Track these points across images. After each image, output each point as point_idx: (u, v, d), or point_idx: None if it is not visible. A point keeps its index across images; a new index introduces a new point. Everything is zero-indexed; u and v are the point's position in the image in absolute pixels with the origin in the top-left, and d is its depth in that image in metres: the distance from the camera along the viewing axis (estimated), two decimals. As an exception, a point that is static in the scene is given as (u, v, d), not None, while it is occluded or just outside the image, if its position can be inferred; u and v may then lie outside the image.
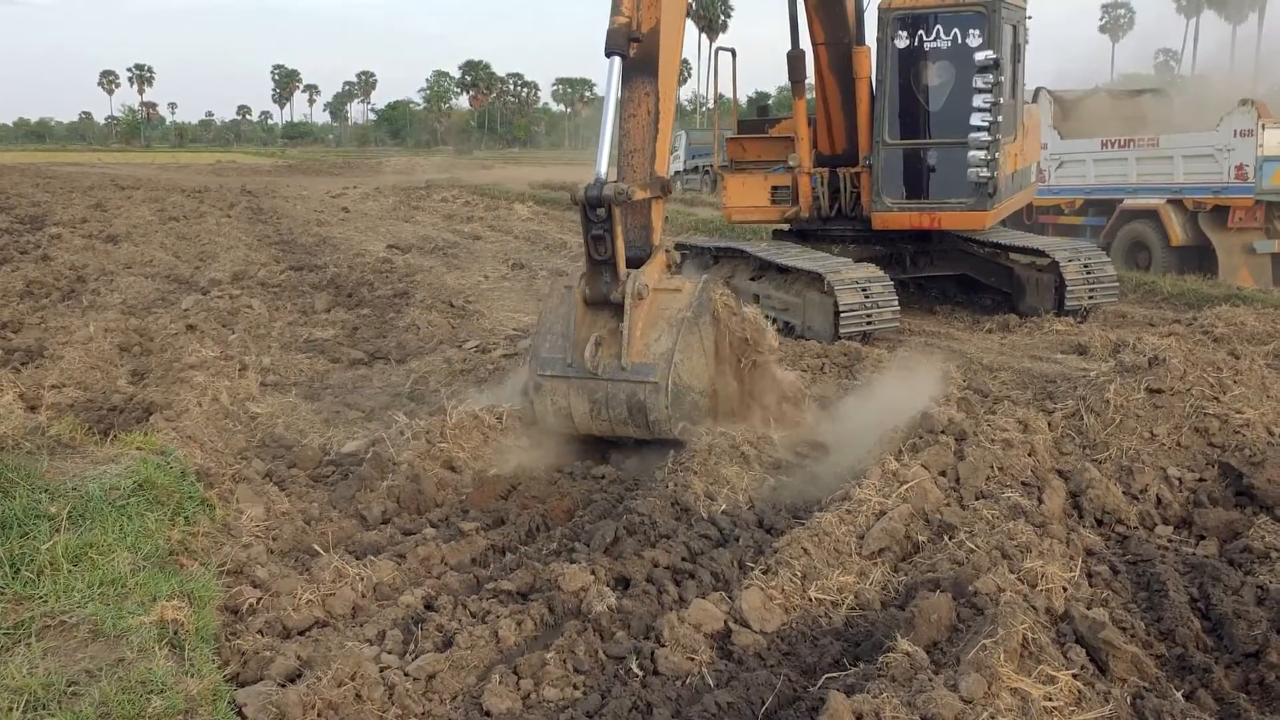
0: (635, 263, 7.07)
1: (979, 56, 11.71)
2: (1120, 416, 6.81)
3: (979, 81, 11.69)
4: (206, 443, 7.59)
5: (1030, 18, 13.01)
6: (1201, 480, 6.38)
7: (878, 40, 12.36)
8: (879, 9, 12.32)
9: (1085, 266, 12.60)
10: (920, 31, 12.13)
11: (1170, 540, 5.82)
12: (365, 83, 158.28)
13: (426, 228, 26.76)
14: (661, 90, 7.28)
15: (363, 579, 5.40)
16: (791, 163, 12.88)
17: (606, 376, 6.88)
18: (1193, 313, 12.75)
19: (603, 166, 6.90)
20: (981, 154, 11.81)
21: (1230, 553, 5.56)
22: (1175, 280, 15.13)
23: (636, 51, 7.16)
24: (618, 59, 7.07)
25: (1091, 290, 12.56)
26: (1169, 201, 16.72)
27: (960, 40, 11.98)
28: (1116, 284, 13.00)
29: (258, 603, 5.13)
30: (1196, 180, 16.43)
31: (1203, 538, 5.83)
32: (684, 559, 5.46)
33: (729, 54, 13.40)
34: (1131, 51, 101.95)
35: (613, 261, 6.84)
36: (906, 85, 12.33)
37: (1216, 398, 6.78)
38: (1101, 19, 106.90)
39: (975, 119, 11.79)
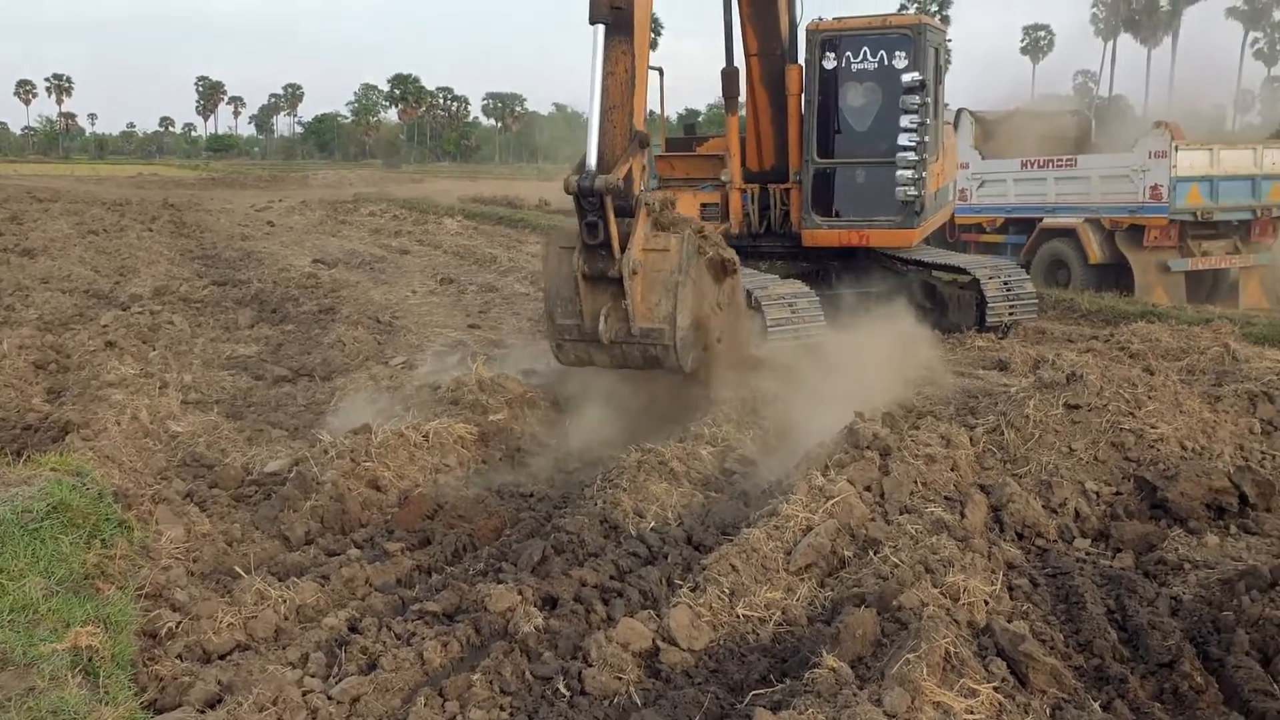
0: (621, 212, 7.24)
1: (906, 78, 11.89)
2: (1040, 432, 6.95)
3: (906, 102, 11.88)
4: (125, 463, 7.41)
5: (950, 40, 13.27)
6: (1118, 494, 6.53)
7: (806, 60, 12.50)
8: (807, 30, 12.46)
9: (1005, 284, 12.85)
10: (847, 53, 12.32)
11: (1088, 553, 5.95)
12: (292, 95, 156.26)
13: (354, 242, 26.49)
14: (636, 49, 7.37)
15: (285, 601, 5.32)
16: (724, 178, 12.94)
17: (620, 341, 7.41)
18: (1110, 329, 13.07)
19: (593, 154, 7.01)
20: (909, 173, 12.00)
21: (1146, 565, 5.70)
22: (1093, 297, 15.49)
23: (615, 16, 7.25)
24: (602, 27, 7.19)
25: (1011, 307, 12.80)
26: (1087, 221, 17.11)
27: (887, 62, 12.21)
28: (1036, 301, 13.27)
29: (177, 627, 5.03)
30: (1113, 200, 16.85)
31: (1119, 550, 5.96)
32: (612, 577, 5.46)
33: (657, 72, 13.46)
34: (1051, 73, 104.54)
35: (608, 244, 7.11)
36: (834, 105, 12.52)
37: (1132, 413, 6.94)
38: (1022, 40, 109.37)
39: (903, 139, 11.97)
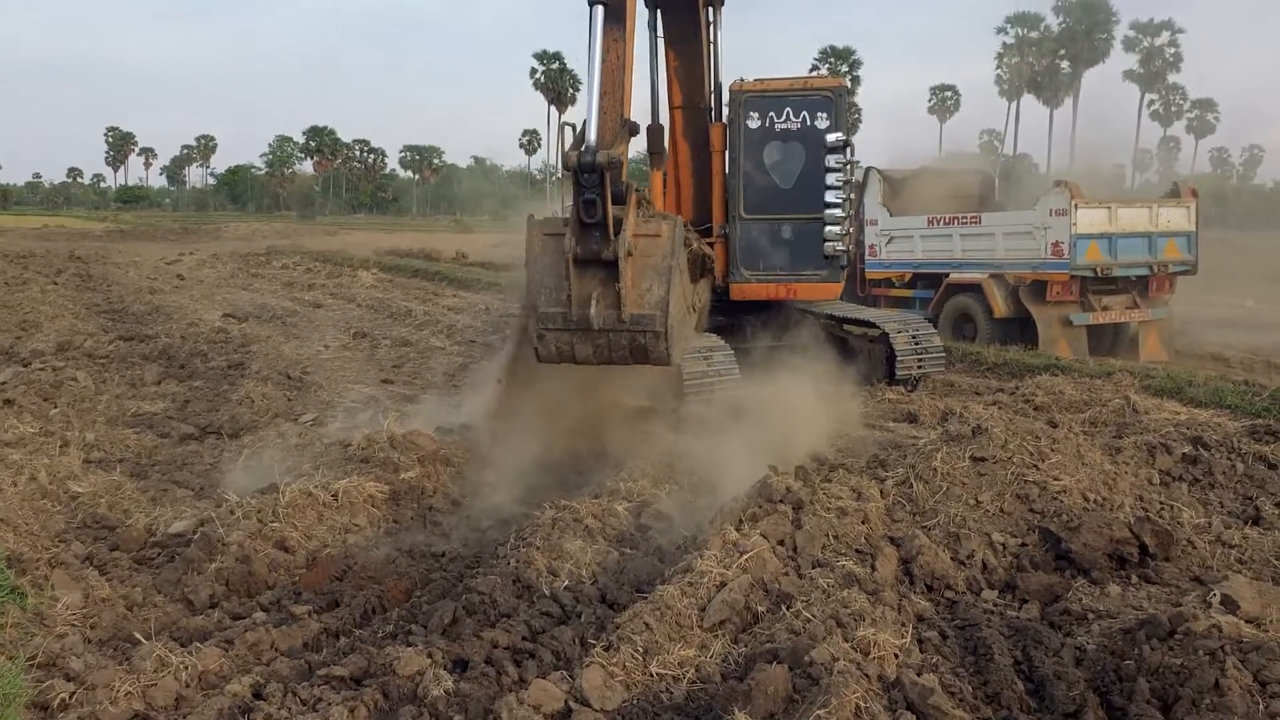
0: (613, 198, 7.14)
1: (830, 138, 12.27)
2: (947, 484, 7.06)
3: (831, 161, 12.23)
4: (20, 525, 7.17)
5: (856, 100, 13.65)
6: (1024, 545, 6.65)
7: (729, 119, 12.72)
8: (730, 90, 12.68)
9: (914, 337, 13.11)
10: (771, 112, 12.61)
11: (996, 604, 6.04)
12: (205, 146, 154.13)
13: (265, 295, 26.10)
14: (626, 38, 7.42)
15: (187, 667, 5.16)
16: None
17: (608, 328, 7.17)
18: (1015, 382, 13.39)
19: (593, 131, 7.00)
20: (837, 229, 12.35)
21: (1051, 615, 5.80)
22: (999, 351, 15.86)
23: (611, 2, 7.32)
24: (600, 9, 7.21)
25: (920, 360, 13.05)
26: (991, 276, 17.53)
27: (809, 122, 12.53)
28: (943, 354, 13.55)
29: (70, 697, 4.85)
30: (1016, 256, 17.30)
31: (1025, 601, 6.07)
32: (525, 638, 5.40)
33: (571, 128, 13.51)
34: (958, 132, 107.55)
35: (603, 224, 6.99)
36: (759, 163, 12.73)
37: (1036, 465, 7.10)
38: (930, 100, 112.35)
39: (830, 196, 12.32)
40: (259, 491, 7.48)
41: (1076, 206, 16.38)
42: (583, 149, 6.90)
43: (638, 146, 11.36)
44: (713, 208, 13.03)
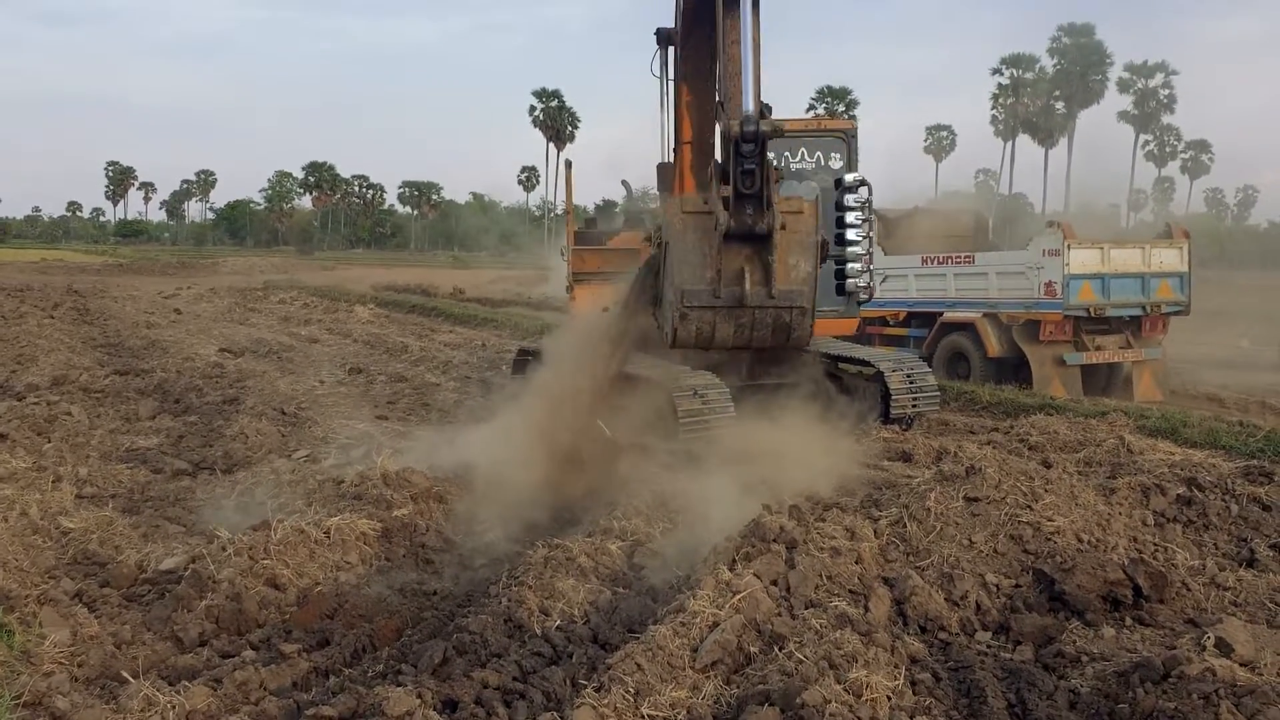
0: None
1: (849, 177, 12.33)
2: (941, 524, 7.05)
3: (849, 199, 12.35)
4: (10, 562, 7.11)
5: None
6: (1017, 586, 6.62)
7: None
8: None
9: (908, 376, 13.12)
10: (786, 152, 12.89)
11: (989, 646, 6.01)
12: (205, 181, 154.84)
13: (262, 330, 26.13)
14: (756, 21, 7.45)
15: (174, 707, 5.11)
16: None
17: (755, 304, 7.09)
18: (1010, 421, 13.39)
19: (749, 101, 6.98)
20: (858, 265, 12.43)
21: (1045, 657, 5.78)
22: (993, 390, 15.87)
23: None
24: None
25: (915, 399, 13.05)
26: (985, 315, 17.58)
27: (824, 161, 12.94)
28: (938, 393, 13.55)
29: (57, 737, 4.81)
30: (1010, 296, 17.35)
31: (1019, 643, 6.04)
32: (515, 678, 5.36)
33: (566, 165, 13.67)
34: (953, 171, 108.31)
35: (760, 194, 6.97)
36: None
37: (1029, 506, 7.09)
38: (925, 140, 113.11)
39: (850, 234, 12.42)
40: (251, 528, 7.44)
41: (1069, 247, 16.45)
42: (744, 119, 6.90)
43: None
44: None
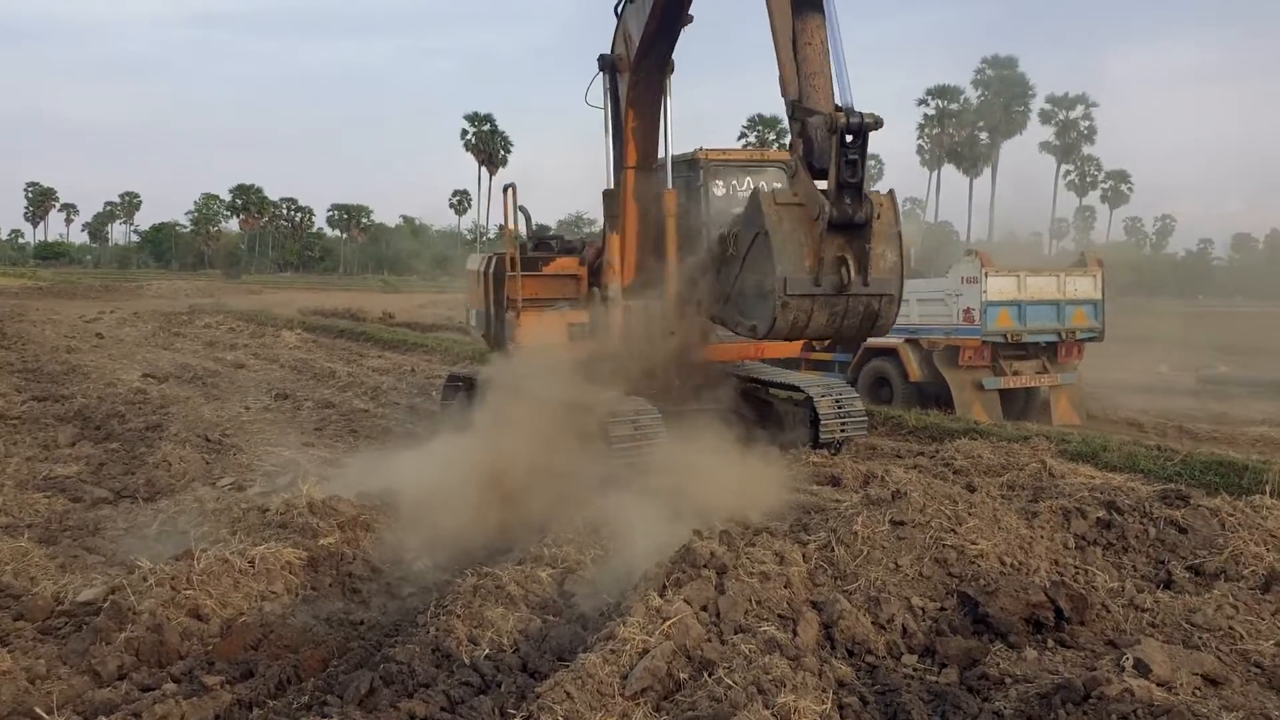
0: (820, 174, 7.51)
1: None
2: (868, 548, 7.13)
3: None
4: (-82, 596, 6.92)
5: None
6: (943, 609, 6.71)
7: (698, 187, 13.10)
8: (697, 157, 13.09)
9: (837, 401, 13.29)
10: (733, 181, 13.18)
11: (915, 669, 6.07)
12: (129, 203, 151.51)
13: (187, 355, 25.66)
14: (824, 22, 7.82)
15: (91, 743, 4.99)
16: (611, 293, 13.08)
17: (854, 292, 7.43)
18: (935, 445, 13.60)
19: (848, 94, 7.46)
20: None
21: (969, 680, 5.85)
22: (919, 415, 16.11)
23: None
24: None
25: (843, 424, 13.21)
26: (907, 341, 17.84)
27: (768, 190, 13.00)
28: (865, 418, 13.73)
29: (-34, 777, 4.66)
30: (930, 322, 17.71)
31: (944, 665, 6.11)
32: (443, 708, 5.32)
33: (510, 189, 13.60)
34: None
35: (860, 185, 7.29)
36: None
37: (954, 529, 7.20)
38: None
39: None
40: (173, 558, 7.30)
41: (987, 274, 16.83)
42: (849, 111, 7.24)
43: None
44: (666, 271, 13.15)
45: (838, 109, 7.33)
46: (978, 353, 17.14)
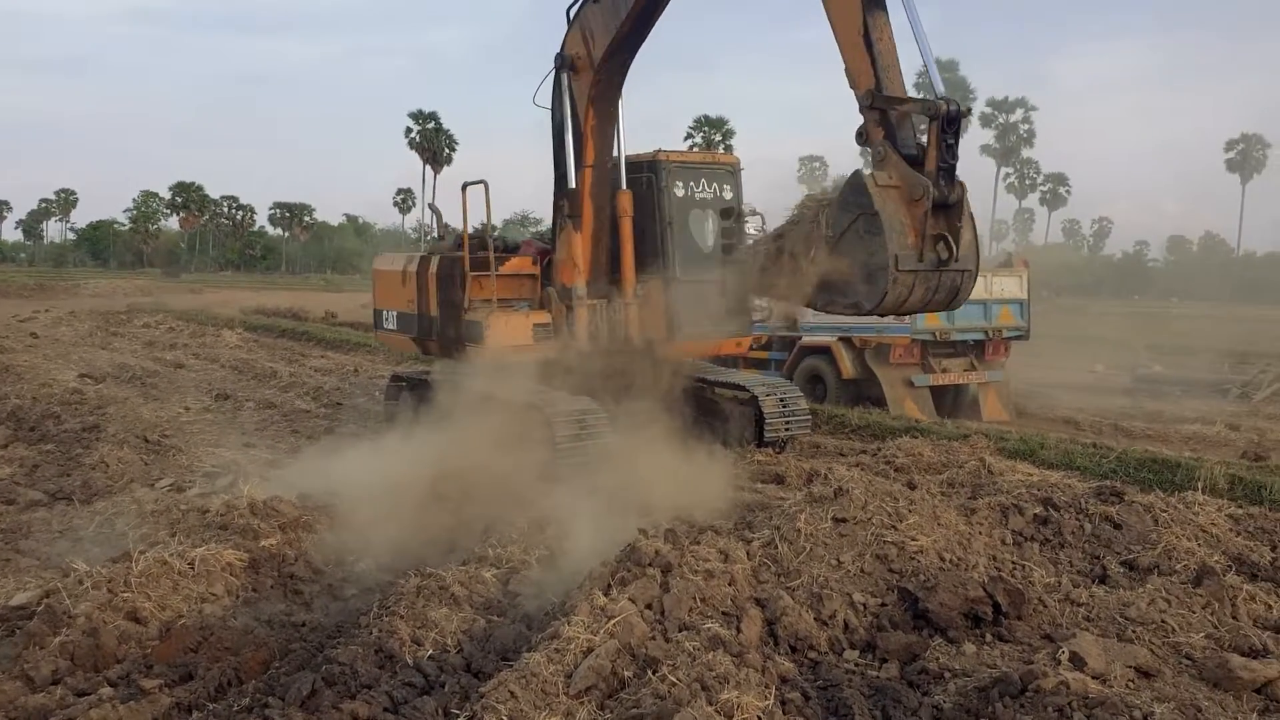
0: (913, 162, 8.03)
1: (746, 206, 13.70)
2: (811, 545, 7.19)
3: (750, 227, 13.40)
4: None
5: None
6: (883, 605, 6.79)
7: (660, 187, 13.32)
8: (657, 159, 13.34)
9: (782, 400, 13.41)
10: (690, 182, 13.56)
11: (857, 664, 6.15)
12: (65, 200, 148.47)
13: (125, 355, 25.24)
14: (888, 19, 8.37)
15: (24, 750, 4.91)
16: (579, 292, 13.06)
17: (950, 268, 8.02)
18: (877, 444, 13.74)
19: (940, 84, 8.05)
20: None
21: (910, 674, 5.93)
22: (862, 413, 16.28)
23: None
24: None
25: (787, 422, 13.33)
26: (840, 339, 18.24)
27: (720, 193, 13.72)
28: (809, 417, 13.86)
29: (-106, 786, 4.56)
30: (862, 320, 17.88)
31: (885, 660, 6.19)
32: (386, 709, 5.29)
33: (482, 185, 13.52)
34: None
35: (954, 168, 7.83)
36: (685, 228, 13.48)
37: (895, 526, 7.29)
38: (799, 170, 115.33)
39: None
40: (111, 560, 7.20)
41: None
42: (949, 100, 7.82)
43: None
44: (622, 270, 13.18)
45: (940, 98, 7.86)
46: (908, 350, 17.61)
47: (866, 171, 8.06)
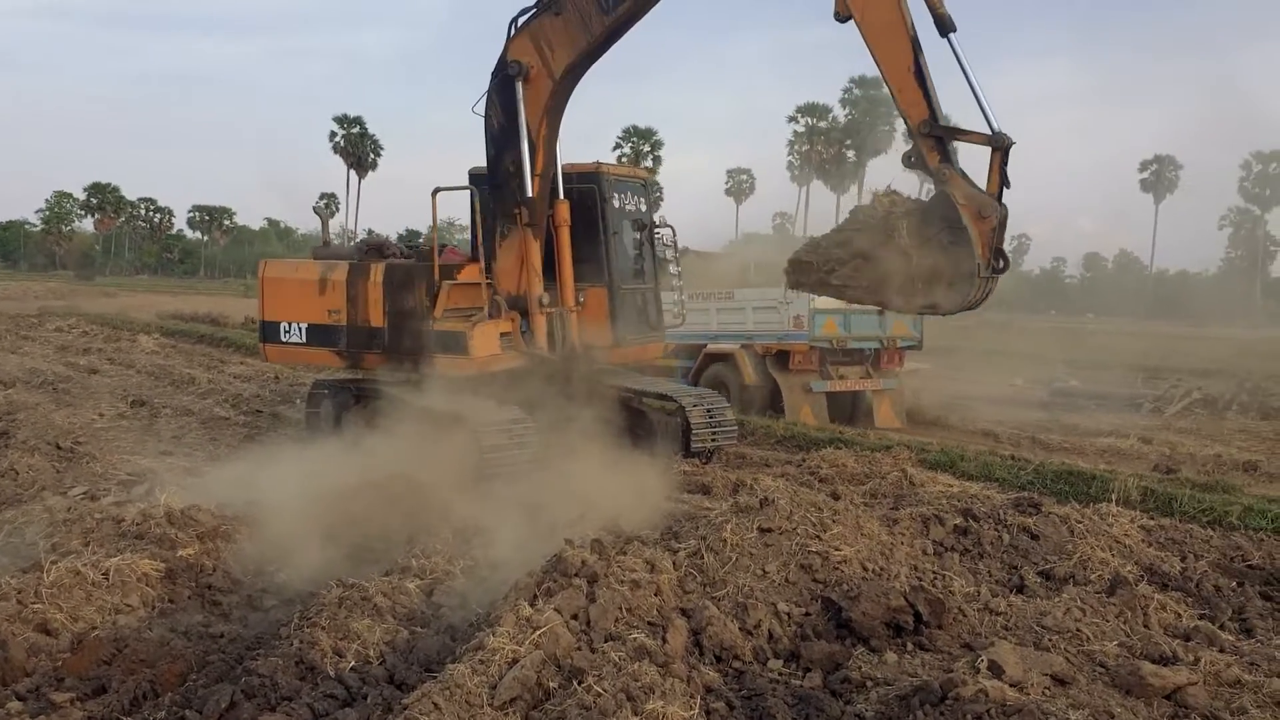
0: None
1: (657, 218, 14.72)
2: (736, 555, 7.22)
3: (665, 236, 14.56)
4: None
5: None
6: (807, 614, 6.85)
7: (603, 197, 13.75)
8: (600, 170, 13.88)
9: (708, 411, 13.49)
10: (623, 194, 14.25)
11: (781, 674, 6.18)
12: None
13: (36, 359, 24.54)
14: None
15: (-73, 767, 4.74)
16: (545, 301, 12.93)
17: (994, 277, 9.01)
18: (802, 454, 13.88)
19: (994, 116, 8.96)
20: (677, 294, 14.62)
21: (833, 683, 5.98)
22: (788, 425, 16.46)
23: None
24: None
25: (714, 433, 13.41)
26: (743, 347, 18.86)
27: (639, 205, 14.45)
28: (736, 427, 13.98)
29: None
30: (764, 329, 18.87)
31: (809, 670, 6.24)
32: (307, 721, 5.20)
33: (459, 189, 13.70)
34: (754, 213, 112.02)
35: (1002, 193, 8.95)
36: (622, 238, 14.03)
37: (818, 536, 7.35)
38: (727, 183, 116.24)
39: (671, 268, 14.61)
40: (20, 570, 6.99)
41: None
42: (1005, 135, 8.85)
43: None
44: (562, 279, 13.14)
45: (1000, 133, 8.85)
46: (806, 357, 18.26)
47: (946, 189, 9.00)
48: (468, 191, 13.56)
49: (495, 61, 12.53)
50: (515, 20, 12.34)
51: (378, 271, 13.35)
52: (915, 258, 9.14)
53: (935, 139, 9.03)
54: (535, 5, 12.16)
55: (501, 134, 12.72)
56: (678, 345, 20.22)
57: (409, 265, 13.37)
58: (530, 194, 12.63)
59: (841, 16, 9.39)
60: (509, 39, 12.39)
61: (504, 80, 12.46)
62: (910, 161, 9.33)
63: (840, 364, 18.81)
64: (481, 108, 12.83)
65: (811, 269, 9.84)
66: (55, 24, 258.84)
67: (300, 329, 13.97)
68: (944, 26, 9.14)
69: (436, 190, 13.17)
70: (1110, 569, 7.80)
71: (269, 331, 14.34)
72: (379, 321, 13.24)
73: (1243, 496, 11.60)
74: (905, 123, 9.27)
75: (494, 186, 12.99)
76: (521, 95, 12.44)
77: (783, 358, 18.40)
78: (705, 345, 19.52)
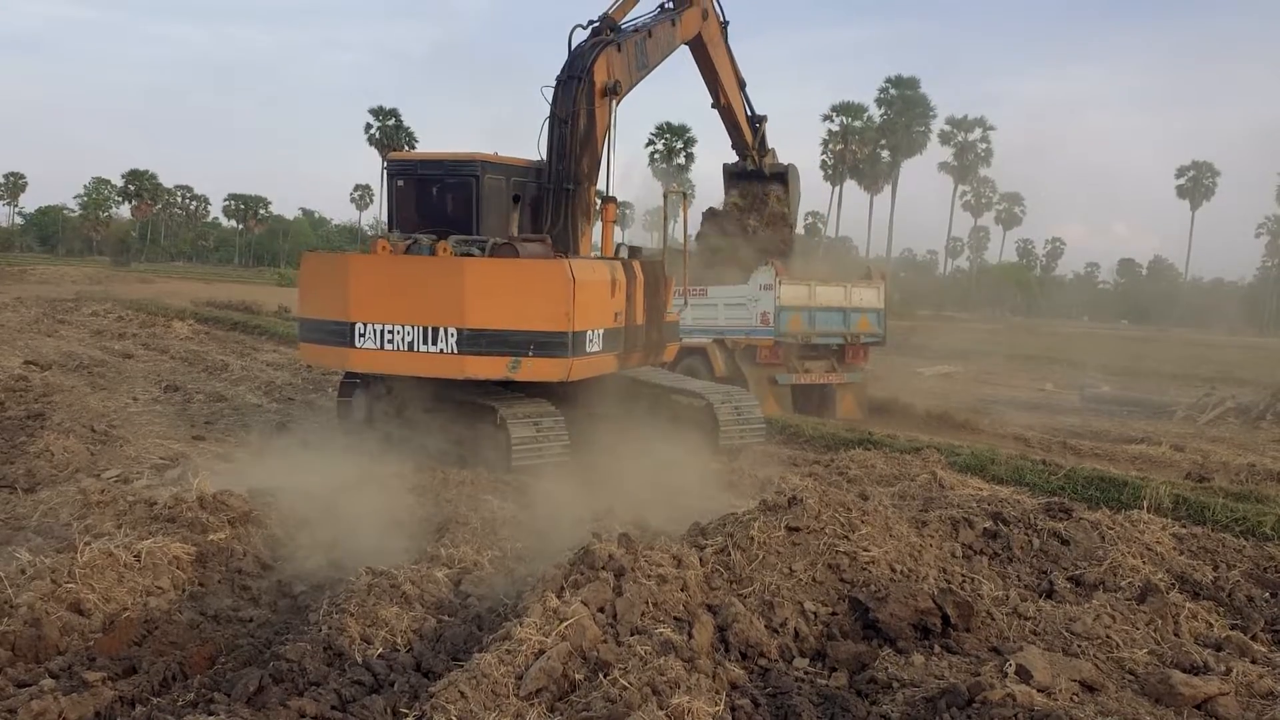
0: None
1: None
2: (763, 553, 7.21)
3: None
4: None
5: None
6: (834, 614, 6.83)
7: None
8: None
9: (737, 409, 13.49)
10: None
11: (806, 672, 6.17)
12: (14, 184, 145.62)
13: (72, 343, 24.83)
14: None
15: (-39, 741, 4.81)
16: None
17: None
18: (831, 455, 13.83)
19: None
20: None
21: (859, 684, 5.97)
22: (816, 424, 16.42)
23: None
24: None
25: (742, 431, 13.42)
26: (715, 341, 19.46)
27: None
28: (764, 425, 13.97)
29: None
30: (733, 324, 19.47)
31: (835, 669, 6.22)
32: (334, 707, 5.24)
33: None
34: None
35: None
36: None
37: (847, 536, 7.33)
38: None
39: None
40: (54, 550, 7.07)
41: (780, 282, 18.75)
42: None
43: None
44: None
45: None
46: (773, 351, 18.92)
47: None
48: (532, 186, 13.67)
49: (563, 67, 13.24)
50: (574, 33, 13.36)
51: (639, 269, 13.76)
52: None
53: None
54: (597, 30, 13.41)
55: (585, 137, 13.23)
56: None
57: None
58: (609, 191, 13.57)
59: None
60: (588, 58, 13.09)
61: (601, 92, 13.21)
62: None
63: (806, 358, 19.60)
64: (549, 94, 13.27)
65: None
66: (94, 11, 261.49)
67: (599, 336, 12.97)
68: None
69: (667, 192, 14.52)
70: (1141, 576, 7.73)
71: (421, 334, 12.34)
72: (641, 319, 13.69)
73: (1276, 507, 11.45)
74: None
75: (564, 185, 13.29)
76: (611, 109, 13.29)
77: (751, 351, 19.17)
78: (680, 339, 19.97)
